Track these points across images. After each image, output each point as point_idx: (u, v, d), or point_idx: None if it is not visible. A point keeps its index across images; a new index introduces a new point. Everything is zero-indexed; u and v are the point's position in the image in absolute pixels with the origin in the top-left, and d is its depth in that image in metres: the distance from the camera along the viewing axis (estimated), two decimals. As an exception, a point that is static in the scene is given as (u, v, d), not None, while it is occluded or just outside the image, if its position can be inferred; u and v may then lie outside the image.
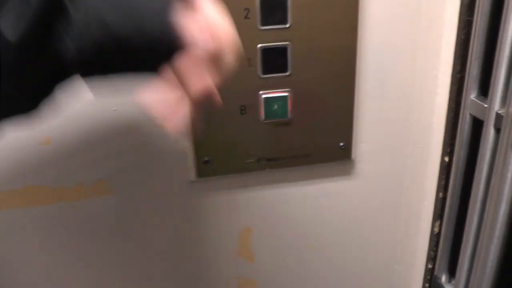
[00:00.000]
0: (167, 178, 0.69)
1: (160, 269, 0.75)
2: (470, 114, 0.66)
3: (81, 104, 0.62)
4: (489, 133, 0.60)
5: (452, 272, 0.77)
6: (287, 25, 0.62)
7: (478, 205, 0.65)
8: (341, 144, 0.71)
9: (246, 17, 0.60)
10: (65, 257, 0.71)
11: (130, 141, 0.65)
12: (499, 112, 0.58)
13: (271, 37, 0.62)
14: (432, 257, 0.83)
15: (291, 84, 0.65)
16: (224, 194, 0.72)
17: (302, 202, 0.76)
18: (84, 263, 0.72)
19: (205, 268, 0.77)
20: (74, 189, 0.67)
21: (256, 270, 0.80)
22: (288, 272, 0.82)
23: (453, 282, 0.77)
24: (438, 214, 0.78)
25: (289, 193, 0.75)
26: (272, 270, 0.81)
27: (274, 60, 0.63)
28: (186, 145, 0.67)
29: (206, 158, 0.67)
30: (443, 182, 0.75)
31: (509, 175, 0.55)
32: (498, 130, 0.59)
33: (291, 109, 0.66)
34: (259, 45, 0.62)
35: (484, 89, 0.63)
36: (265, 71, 0.63)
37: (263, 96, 0.65)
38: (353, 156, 0.73)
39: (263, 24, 0.61)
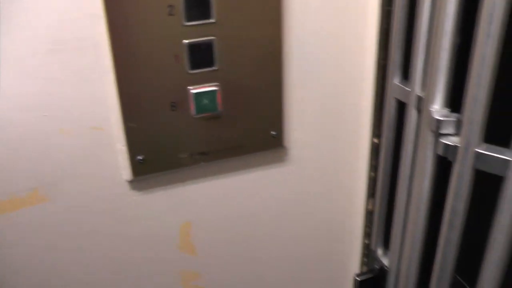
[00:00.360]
0: (103, 180, 0.68)
1: (103, 271, 0.75)
2: (395, 98, 0.68)
3: (10, 111, 0.60)
4: (412, 115, 0.63)
5: (387, 245, 0.81)
6: (212, 20, 0.61)
7: (405, 182, 0.69)
8: (273, 132, 0.72)
9: (170, 14, 0.59)
10: (3, 270, 0.69)
11: (62, 146, 0.64)
12: (419, 94, 0.61)
13: (196, 32, 0.61)
14: (367, 233, 0.86)
15: (220, 78, 0.65)
16: (161, 190, 0.72)
17: (239, 192, 0.77)
18: (24, 274, 0.70)
19: (148, 265, 0.77)
20: (7, 201, 0.64)
21: (199, 262, 0.81)
22: (231, 261, 0.84)
23: (388, 254, 0.81)
24: (371, 192, 0.82)
25: (225, 184, 0.76)
26: (215, 261, 0.82)
27: (201, 55, 0.63)
28: (119, 146, 0.66)
29: (140, 157, 0.67)
30: (373, 162, 0.79)
31: (429, 153, 0.59)
32: (420, 111, 0.62)
33: (221, 103, 0.66)
34: (185, 41, 0.61)
35: (407, 74, 0.65)
36: (193, 67, 0.63)
37: (193, 91, 0.64)
38: (285, 143, 0.75)
39: (188, 20, 0.60)
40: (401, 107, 0.68)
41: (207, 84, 0.65)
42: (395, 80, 0.67)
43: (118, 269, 0.75)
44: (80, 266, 0.73)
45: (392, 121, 0.71)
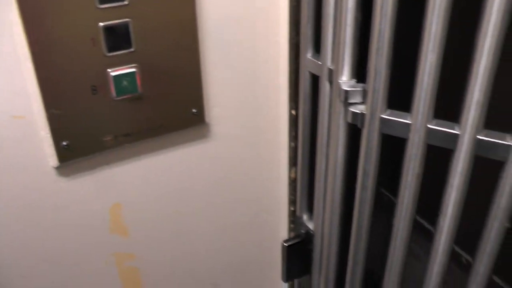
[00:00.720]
0: (29, 169, 0.67)
1: (35, 260, 0.74)
2: (308, 71, 0.72)
3: None
4: (325, 86, 0.67)
5: (311, 210, 0.86)
6: (126, 2, 0.62)
7: (323, 150, 0.73)
8: (194, 110, 0.74)
9: (83, -3, 0.59)
10: None
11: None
12: (330, 67, 0.65)
13: (111, 15, 0.62)
14: (292, 200, 0.91)
15: (138, 59, 0.66)
16: (88, 175, 0.72)
17: (165, 170, 0.79)
18: None
19: (80, 250, 0.77)
20: None
21: (133, 243, 0.82)
22: (163, 239, 0.85)
23: (313, 219, 0.85)
24: (293, 161, 0.86)
25: (151, 163, 0.77)
26: (149, 241, 0.84)
27: (117, 37, 0.63)
28: (43, 133, 0.65)
29: (64, 143, 0.66)
30: (293, 133, 0.83)
31: (340, 121, 0.63)
32: (331, 83, 0.66)
33: (141, 84, 0.67)
34: (101, 24, 0.61)
35: (319, 48, 0.69)
36: (110, 49, 0.63)
37: (112, 74, 0.65)
38: (207, 120, 0.77)
39: (102, 2, 0.60)
40: (315, 80, 0.72)
41: (126, 66, 0.65)
42: (307, 54, 0.71)
43: (51, 257, 0.75)
44: (12, 257, 0.72)
45: (307, 93, 0.74)
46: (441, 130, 0.52)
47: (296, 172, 0.86)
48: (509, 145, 0.48)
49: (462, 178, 0.52)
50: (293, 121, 0.81)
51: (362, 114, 0.58)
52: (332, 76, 0.64)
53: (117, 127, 0.69)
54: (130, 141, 0.71)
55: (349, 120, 0.60)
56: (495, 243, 0.52)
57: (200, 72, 0.72)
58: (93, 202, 0.75)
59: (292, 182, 0.88)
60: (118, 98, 0.67)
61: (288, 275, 0.91)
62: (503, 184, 0.49)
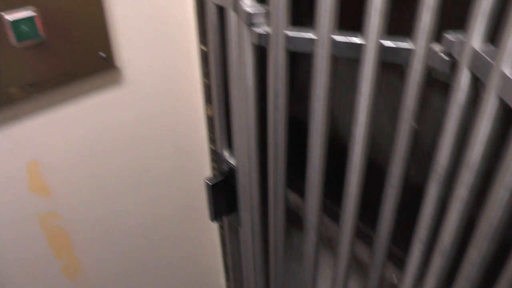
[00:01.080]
0: None
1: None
2: (214, 3, 0.73)
3: None
4: (231, 16, 0.68)
5: (232, 146, 0.88)
6: None
7: (236, 81, 0.75)
8: (102, 54, 0.73)
9: None
10: None
11: None
12: (234, -5, 0.66)
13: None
14: (212, 138, 0.92)
15: (37, 2, 0.63)
16: (-4, 131, 0.69)
17: (80, 120, 0.77)
18: None
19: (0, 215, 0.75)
20: None
21: (56, 202, 0.80)
22: (88, 195, 0.84)
23: (233, 154, 0.87)
24: (208, 99, 0.87)
25: (64, 115, 0.75)
26: (73, 197, 0.82)
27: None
28: None
29: (-36, 99, 0.63)
30: (205, 69, 0.83)
31: (246, 45, 0.65)
32: (236, 12, 0.67)
33: (44, 29, 0.65)
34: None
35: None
36: (1, -10, 0.60)
37: (8, 18, 0.61)
38: (117, 63, 0.76)
39: None
40: (222, 11, 0.73)
41: (23, 8, 0.62)
42: (210, -13, 0.72)
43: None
44: None
45: (214, 26, 0.75)
46: (346, 41, 0.55)
47: (212, 109, 0.87)
48: (410, 49, 0.52)
49: (371, 85, 0.56)
50: (204, 57, 0.82)
51: (267, 34, 0.60)
52: (236, 4, 0.65)
53: (22, 77, 0.66)
54: (39, 91, 0.69)
55: (255, 41, 0.62)
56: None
57: (105, 13, 0.70)
58: (7, 161, 0.72)
59: (210, 120, 0.90)
60: (19, 45, 0.64)
61: (216, 214, 0.93)
62: (407, 87, 0.54)
